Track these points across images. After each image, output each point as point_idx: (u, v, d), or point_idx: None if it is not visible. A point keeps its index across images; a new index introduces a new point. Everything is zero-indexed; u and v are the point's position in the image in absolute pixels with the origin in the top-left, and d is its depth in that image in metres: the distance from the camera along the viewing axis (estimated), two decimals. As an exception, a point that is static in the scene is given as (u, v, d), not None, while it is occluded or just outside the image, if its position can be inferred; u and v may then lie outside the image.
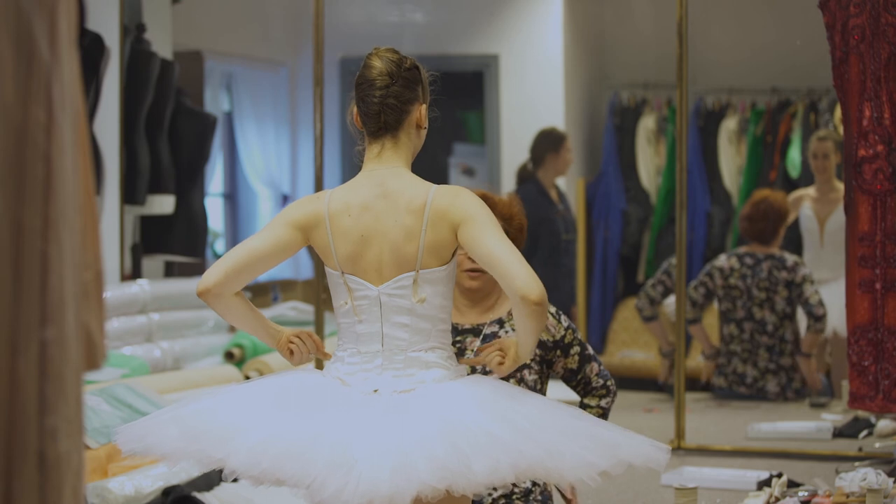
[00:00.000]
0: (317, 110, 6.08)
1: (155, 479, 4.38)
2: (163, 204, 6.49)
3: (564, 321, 3.66)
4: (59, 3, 1.52)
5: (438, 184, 3.02)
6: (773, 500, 4.47)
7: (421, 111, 3.09)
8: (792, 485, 4.68)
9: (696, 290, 6.86)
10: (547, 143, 7.10)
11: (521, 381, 3.57)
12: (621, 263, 8.14)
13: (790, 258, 6.78)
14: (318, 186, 6.03)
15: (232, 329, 6.53)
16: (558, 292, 6.96)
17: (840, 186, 6.42)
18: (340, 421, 2.82)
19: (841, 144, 6.02)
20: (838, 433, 5.83)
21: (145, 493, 4.31)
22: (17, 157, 1.47)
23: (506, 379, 3.45)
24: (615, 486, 4.88)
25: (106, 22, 6.10)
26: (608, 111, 8.12)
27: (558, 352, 3.63)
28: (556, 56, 7.90)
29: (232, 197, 8.32)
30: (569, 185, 7.82)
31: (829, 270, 6.71)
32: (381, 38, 9.10)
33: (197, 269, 7.08)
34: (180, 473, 4.48)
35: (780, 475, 4.75)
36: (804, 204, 6.92)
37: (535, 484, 3.60)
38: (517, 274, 2.82)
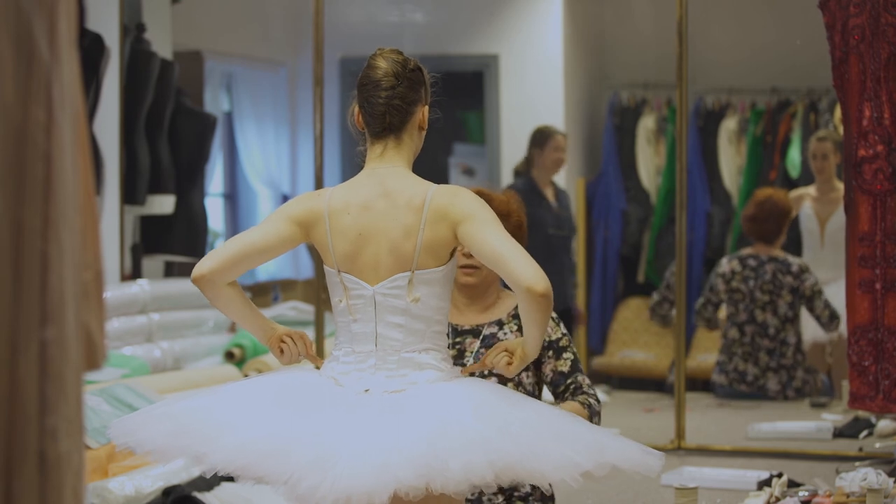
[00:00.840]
0: (316, 110, 6.08)
1: (155, 480, 4.38)
2: (163, 204, 6.49)
3: (563, 328, 3.65)
4: (58, 3, 1.52)
5: (438, 184, 3.03)
6: (773, 500, 4.47)
7: (423, 112, 3.11)
8: (792, 485, 4.68)
9: (706, 308, 6.86)
10: (533, 141, 7.11)
11: (518, 385, 3.56)
12: (621, 263, 8.14)
13: (795, 262, 6.75)
14: (318, 186, 6.03)
15: (232, 329, 6.53)
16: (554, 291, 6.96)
17: (840, 186, 6.40)
18: (332, 420, 2.82)
19: (840, 144, 6.02)
20: (839, 433, 5.83)
21: (145, 494, 4.31)
22: (17, 156, 1.47)
23: (503, 382, 3.45)
24: (615, 486, 4.88)
25: (106, 22, 6.10)
26: (608, 111, 8.12)
27: (550, 352, 3.61)
28: (555, 56, 7.89)
29: (232, 197, 8.32)
30: (569, 184, 7.81)
31: (830, 270, 6.71)
32: (381, 38, 9.09)
33: (197, 270, 7.07)
34: (181, 473, 4.48)
35: (780, 475, 4.75)
36: (804, 203, 6.91)
37: (534, 487, 3.59)
38: (522, 267, 2.82)
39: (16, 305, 1.46)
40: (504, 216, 3.46)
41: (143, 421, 2.94)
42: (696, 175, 7.79)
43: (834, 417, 6.15)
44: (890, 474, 4.45)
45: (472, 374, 3.13)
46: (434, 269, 2.97)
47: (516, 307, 3.51)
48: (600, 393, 7.06)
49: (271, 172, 8.25)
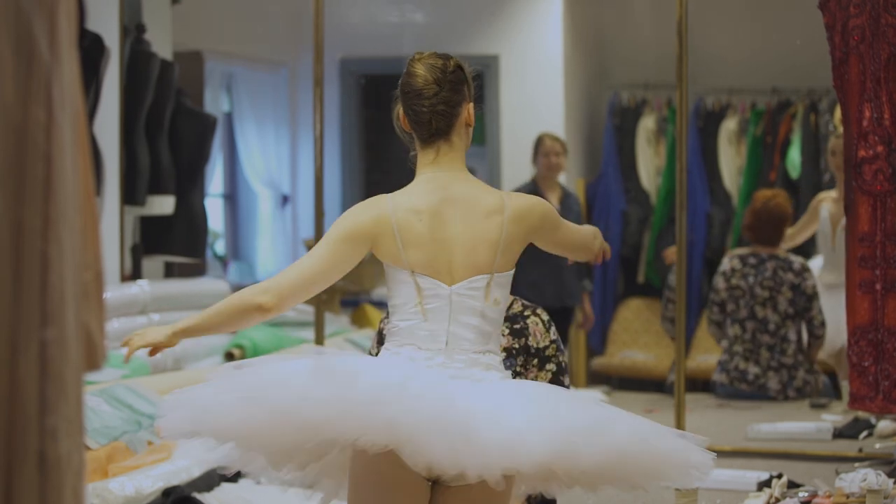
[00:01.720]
0: (317, 111, 6.07)
1: (155, 480, 4.38)
2: (163, 204, 6.48)
3: (553, 334, 3.62)
4: (59, 4, 1.52)
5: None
6: (773, 500, 4.47)
7: (469, 110, 3.13)
8: (792, 485, 4.68)
9: (711, 310, 6.88)
10: (533, 147, 7.29)
11: None
12: (621, 264, 8.14)
13: (796, 261, 6.77)
14: (319, 187, 6.02)
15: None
16: (547, 288, 6.99)
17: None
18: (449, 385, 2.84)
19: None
20: (838, 434, 5.83)
21: (145, 494, 4.32)
22: (18, 157, 1.47)
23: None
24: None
25: (106, 22, 6.10)
26: (608, 111, 8.12)
27: (536, 360, 3.59)
28: (556, 56, 7.90)
29: (232, 197, 8.31)
30: (569, 185, 7.82)
31: (841, 275, 6.66)
32: (382, 39, 9.10)
33: (197, 270, 7.08)
34: (181, 474, 4.48)
35: (780, 476, 4.75)
36: (822, 206, 6.84)
37: None
38: (588, 235, 3.25)
39: (16, 305, 1.46)
40: None
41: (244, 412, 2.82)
42: (697, 175, 7.79)
43: (834, 418, 6.15)
44: (890, 475, 4.45)
45: None
46: (509, 272, 3.04)
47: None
48: (600, 393, 7.08)
49: (271, 173, 8.25)
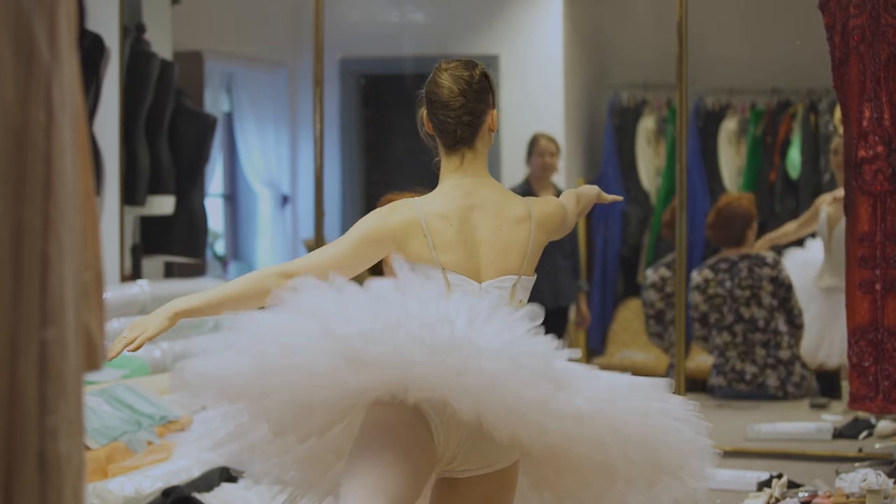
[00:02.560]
0: (317, 111, 6.08)
1: (155, 480, 4.38)
2: (163, 204, 6.48)
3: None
4: (59, 4, 1.52)
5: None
6: (773, 500, 4.47)
7: (493, 116, 3.17)
8: (792, 485, 4.68)
9: (694, 327, 6.90)
10: (528, 148, 7.33)
11: None
12: (621, 264, 8.14)
13: (768, 255, 6.82)
14: (319, 187, 6.02)
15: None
16: (542, 288, 7.02)
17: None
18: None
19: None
20: (838, 434, 5.83)
21: (145, 494, 4.32)
22: (18, 157, 1.47)
23: None
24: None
25: (106, 22, 6.10)
26: (608, 111, 8.12)
27: None
28: (555, 56, 7.90)
29: (232, 197, 8.31)
30: (569, 185, 7.81)
31: (837, 278, 6.65)
32: (382, 39, 9.10)
33: (197, 270, 7.08)
34: (180, 474, 4.48)
35: (780, 476, 4.75)
36: (822, 207, 6.84)
37: None
38: (591, 199, 3.45)
39: (16, 306, 1.46)
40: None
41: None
42: (696, 176, 7.79)
43: (834, 418, 6.15)
44: (890, 475, 4.45)
45: None
46: (532, 277, 3.10)
47: None
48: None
49: (271, 173, 8.25)
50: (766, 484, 4.82)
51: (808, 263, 6.96)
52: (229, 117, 8.12)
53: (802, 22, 6.54)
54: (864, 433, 5.74)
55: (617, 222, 8.05)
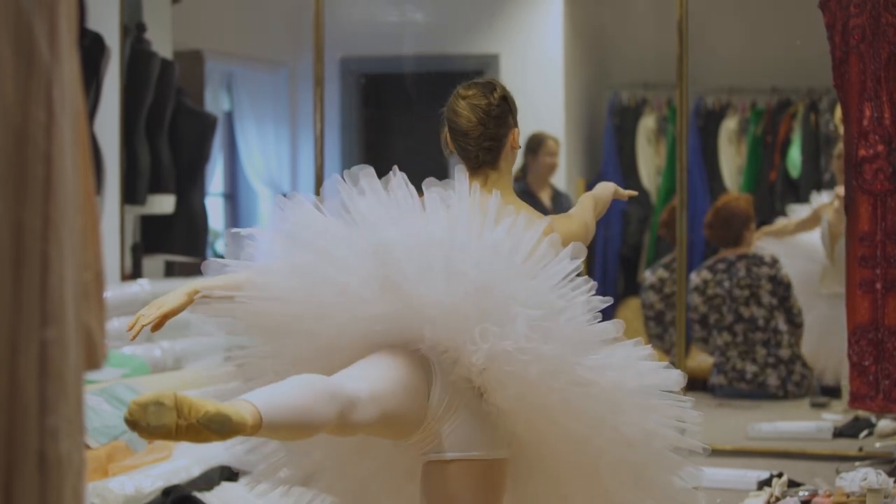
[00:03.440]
0: (317, 110, 6.08)
1: (155, 479, 4.38)
2: (163, 203, 6.48)
3: None
4: (59, 3, 1.52)
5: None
6: (773, 499, 4.47)
7: (514, 134, 3.17)
8: (792, 484, 4.68)
9: (694, 329, 6.90)
10: (527, 147, 7.35)
11: None
12: (621, 263, 8.14)
13: (766, 254, 6.83)
14: (319, 186, 6.02)
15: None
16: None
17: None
18: None
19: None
20: (839, 433, 5.83)
21: (145, 493, 4.31)
22: (18, 157, 1.46)
23: None
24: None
25: (106, 22, 6.10)
26: (608, 111, 8.12)
27: None
28: (556, 56, 7.89)
29: (232, 197, 8.31)
30: (569, 185, 7.82)
31: (839, 286, 6.62)
32: (382, 38, 9.09)
33: (197, 269, 7.06)
34: (180, 473, 4.48)
35: (780, 475, 4.75)
36: (823, 216, 6.82)
37: None
38: (607, 199, 3.43)
39: (16, 306, 1.46)
40: None
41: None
42: (697, 175, 7.79)
43: (834, 417, 6.15)
44: (890, 474, 4.45)
45: None
46: None
47: None
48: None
49: (272, 172, 8.25)
50: (766, 483, 4.82)
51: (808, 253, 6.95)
52: (230, 116, 8.12)
53: (803, 21, 6.54)
54: (865, 432, 5.74)
55: (617, 221, 8.05)
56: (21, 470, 1.46)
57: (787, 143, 7.73)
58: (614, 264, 8.08)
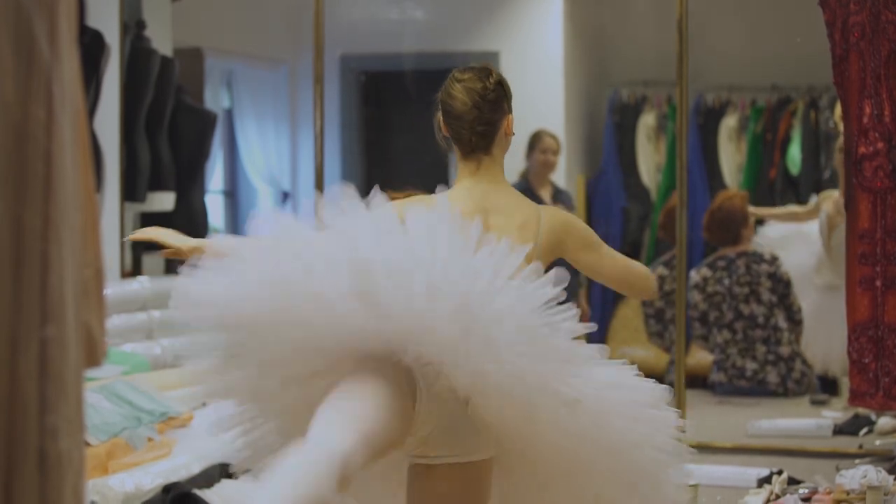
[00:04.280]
0: (317, 108, 6.08)
1: (155, 477, 4.38)
2: (163, 201, 6.49)
3: None
4: (59, 1, 1.52)
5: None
6: (773, 497, 4.47)
7: (508, 121, 3.18)
8: (792, 482, 4.68)
9: (694, 326, 6.90)
10: (528, 145, 7.32)
11: None
12: (621, 261, 8.14)
13: (766, 251, 6.84)
14: (319, 184, 6.03)
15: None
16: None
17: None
18: None
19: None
20: (839, 430, 5.83)
21: (145, 491, 4.32)
22: (18, 155, 1.47)
23: None
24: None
25: (106, 19, 6.10)
26: (608, 108, 8.12)
27: None
28: (556, 53, 7.89)
29: (232, 194, 8.31)
30: (569, 182, 7.82)
31: (834, 276, 6.64)
32: (382, 36, 9.09)
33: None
34: (180, 470, 4.48)
35: (780, 472, 4.75)
36: (823, 207, 6.82)
37: None
38: (643, 274, 3.19)
39: (16, 304, 1.46)
40: None
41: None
42: (697, 173, 7.79)
43: (834, 415, 6.15)
44: (890, 472, 4.45)
45: None
46: None
47: None
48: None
49: (272, 170, 8.25)
50: (766, 480, 4.82)
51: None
52: (229, 114, 8.12)
53: (802, 19, 6.53)
54: (865, 430, 5.75)
55: (617, 219, 8.05)
56: (21, 468, 1.46)
57: (786, 141, 7.73)
58: (614, 262, 8.08)
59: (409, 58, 7.72)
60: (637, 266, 3.21)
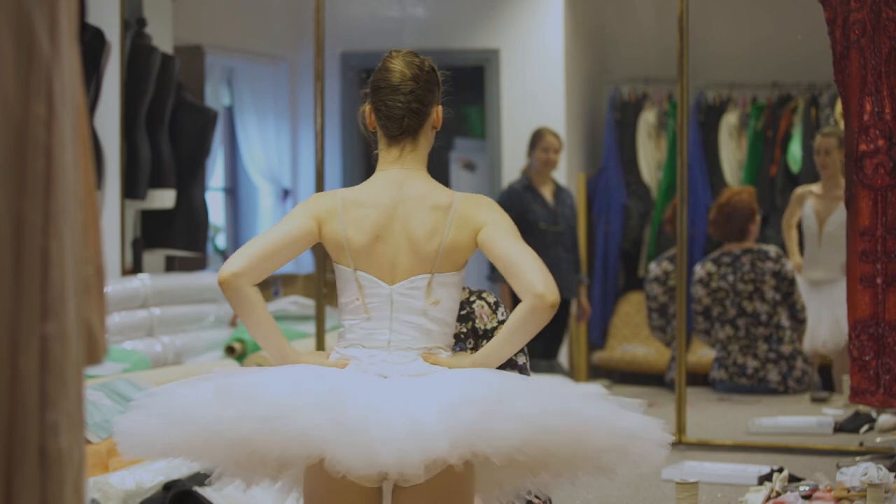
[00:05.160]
0: (317, 105, 6.08)
1: (156, 474, 4.38)
2: (163, 198, 6.48)
3: (501, 315, 3.60)
4: (59, -2, 1.52)
5: (437, 179, 3.06)
6: (773, 494, 4.47)
7: (438, 112, 3.13)
8: (793, 479, 4.68)
9: (697, 321, 6.91)
10: (530, 142, 7.37)
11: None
12: (622, 258, 8.15)
13: (771, 249, 6.85)
14: (320, 181, 6.03)
15: (233, 324, 6.53)
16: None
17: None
18: (359, 386, 2.84)
19: (846, 140, 5.99)
20: (839, 428, 5.83)
21: (146, 488, 4.31)
22: (18, 152, 1.47)
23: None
24: (615, 481, 4.87)
25: (106, 16, 6.10)
26: (609, 106, 8.12)
27: (484, 342, 3.58)
28: (556, 51, 7.89)
29: (233, 191, 8.32)
30: (570, 179, 7.82)
31: (827, 270, 6.66)
32: (382, 33, 9.09)
33: (198, 264, 7.08)
34: (181, 468, 4.48)
35: (780, 470, 4.75)
36: (807, 202, 6.84)
37: None
38: (537, 275, 2.85)
39: (16, 300, 1.46)
40: None
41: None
42: (697, 170, 7.79)
43: (835, 412, 6.15)
44: (890, 469, 4.45)
45: None
46: (452, 272, 3.00)
47: None
48: (601, 387, 7.10)
49: (272, 167, 8.25)
50: (766, 478, 4.82)
51: None
52: (230, 111, 8.12)
53: (803, 16, 6.54)
54: (865, 427, 5.75)
55: (618, 216, 8.05)
56: (22, 465, 1.46)
57: (787, 138, 7.73)
58: (615, 258, 8.09)
59: (409, 55, 7.71)
60: (536, 271, 2.86)
